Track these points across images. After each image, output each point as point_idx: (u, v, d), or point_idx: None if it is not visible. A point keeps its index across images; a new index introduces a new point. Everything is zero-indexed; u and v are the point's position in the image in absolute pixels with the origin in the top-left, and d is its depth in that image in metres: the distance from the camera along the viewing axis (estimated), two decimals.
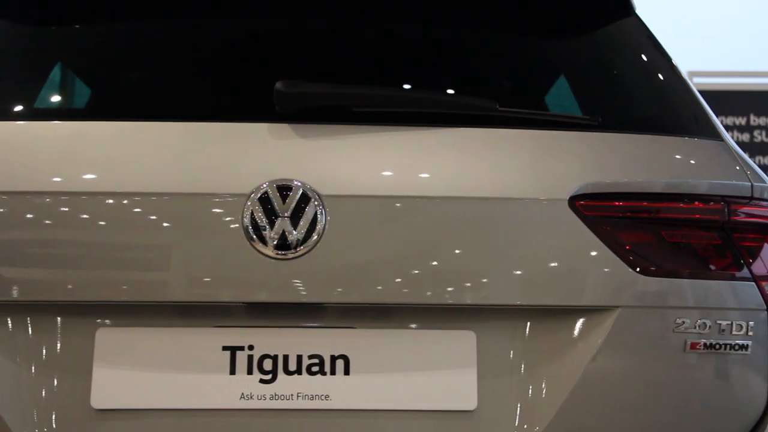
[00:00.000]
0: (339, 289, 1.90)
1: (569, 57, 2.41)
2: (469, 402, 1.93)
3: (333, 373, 1.92)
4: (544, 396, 1.93)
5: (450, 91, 2.32)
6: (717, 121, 2.27)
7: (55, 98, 2.23)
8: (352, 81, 2.16)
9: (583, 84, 2.36)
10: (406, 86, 2.27)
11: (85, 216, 1.90)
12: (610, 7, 2.44)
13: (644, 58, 2.38)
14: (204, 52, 2.32)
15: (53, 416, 1.90)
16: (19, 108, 2.18)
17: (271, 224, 1.90)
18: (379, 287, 1.90)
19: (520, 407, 1.94)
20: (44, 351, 1.92)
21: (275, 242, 1.89)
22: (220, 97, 2.18)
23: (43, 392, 1.90)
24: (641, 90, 2.32)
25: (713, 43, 8.52)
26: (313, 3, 2.35)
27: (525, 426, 1.92)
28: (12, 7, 2.34)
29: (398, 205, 1.93)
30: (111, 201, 1.90)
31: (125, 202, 1.90)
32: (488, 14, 2.39)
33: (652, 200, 2.00)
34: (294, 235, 1.89)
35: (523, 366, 1.95)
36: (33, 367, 1.91)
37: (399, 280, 1.91)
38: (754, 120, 8.55)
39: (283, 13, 2.35)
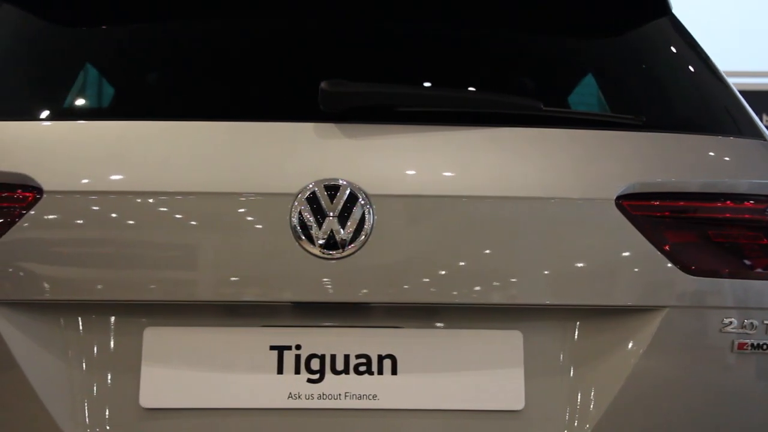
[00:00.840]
0: (386, 289, 1.90)
1: (608, 57, 2.41)
2: (517, 402, 1.93)
3: (380, 372, 1.92)
4: (591, 396, 1.93)
5: (494, 91, 2.31)
6: (758, 120, 2.26)
7: (102, 98, 2.23)
8: (397, 81, 2.16)
9: (623, 84, 2.36)
10: (450, 86, 2.27)
11: (133, 215, 1.90)
12: (647, 7, 2.43)
13: (683, 57, 2.38)
14: (250, 52, 2.32)
15: (103, 415, 1.90)
16: (68, 108, 2.18)
17: (319, 224, 1.90)
18: (426, 287, 1.90)
19: (567, 407, 1.94)
20: (94, 350, 1.92)
21: (323, 242, 1.89)
22: (266, 97, 2.18)
23: (93, 391, 1.91)
24: (682, 89, 2.32)
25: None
26: (359, 3, 2.35)
27: (573, 426, 1.92)
28: (52, 7, 2.34)
29: (445, 204, 1.92)
30: (159, 201, 1.90)
31: (173, 202, 1.90)
32: (528, 15, 2.39)
33: (698, 200, 1.99)
34: (342, 234, 1.89)
35: (570, 366, 1.95)
36: (83, 366, 1.91)
37: (446, 279, 1.91)
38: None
39: (329, 13, 2.35)
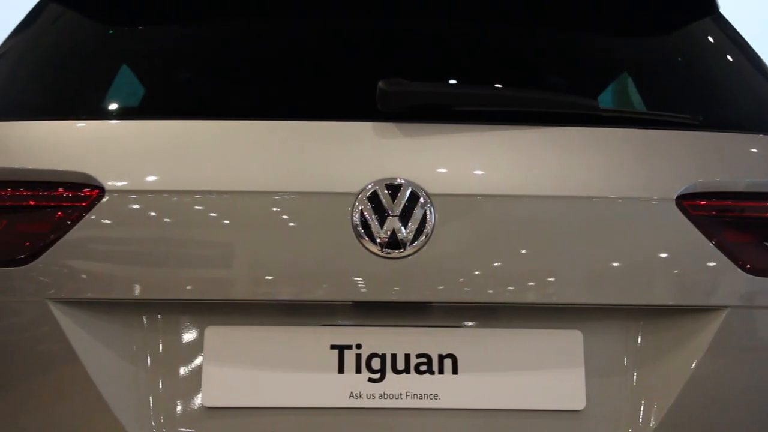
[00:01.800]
0: (447, 289, 1.90)
1: (662, 57, 2.40)
2: (578, 402, 1.93)
3: (441, 372, 1.93)
4: (652, 396, 1.93)
5: (550, 90, 2.31)
6: None
7: (161, 96, 2.23)
8: (454, 80, 2.16)
9: (674, 83, 2.36)
10: (507, 85, 2.27)
11: (194, 215, 1.91)
12: (696, 7, 2.43)
13: (734, 56, 2.37)
14: (309, 51, 2.32)
15: (166, 414, 1.90)
16: (127, 106, 2.18)
17: (381, 223, 1.90)
18: (486, 287, 1.90)
19: (628, 407, 1.93)
20: (156, 349, 1.93)
21: (385, 241, 1.89)
22: (323, 96, 2.18)
23: (156, 390, 1.91)
24: (734, 89, 2.32)
25: None
26: (416, 2, 2.35)
27: (635, 427, 1.92)
28: (104, 5, 2.35)
29: (506, 204, 1.92)
30: (221, 200, 1.91)
31: (234, 201, 1.91)
32: (579, 15, 2.39)
33: (758, 199, 1.99)
34: (403, 233, 1.90)
35: (631, 366, 1.95)
36: (146, 365, 1.92)
37: (506, 279, 1.91)
38: None
39: (387, 12, 2.35)
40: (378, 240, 1.89)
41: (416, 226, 1.90)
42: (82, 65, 2.27)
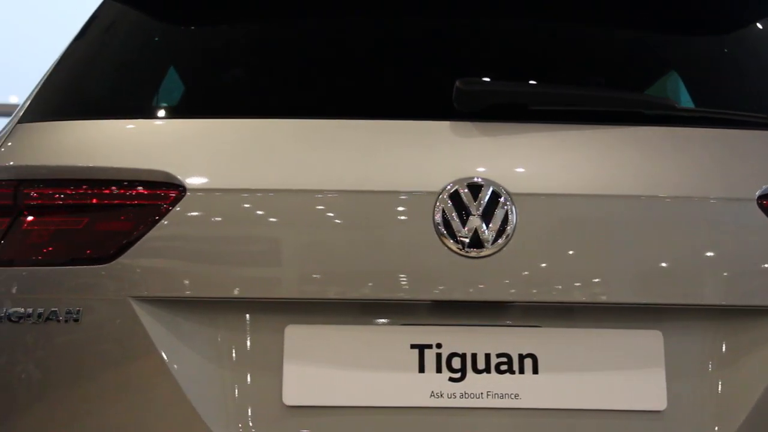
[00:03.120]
0: (527, 288, 1.90)
1: (733, 56, 2.40)
2: (659, 402, 1.92)
3: (522, 372, 1.92)
4: (735, 396, 1.92)
5: (626, 90, 2.31)
6: None
7: (242, 96, 2.23)
8: (530, 79, 2.16)
9: (749, 82, 2.35)
10: (584, 84, 2.26)
11: (274, 213, 1.91)
12: (760, 6, 2.43)
13: None
14: (386, 50, 2.33)
15: (247, 412, 1.90)
16: (205, 105, 2.18)
17: (463, 222, 1.90)
18: (567, 287, 1.90)
19: (710, 408, 1.93)
20: (237, 348, 1.93)
21: (467, 240, 1.89)
22: (400, 95, 2.18)
23: (237, 389, 1.91)
24: None
25: None
26: (492, 2, 2.35)
27: (716, 427, 1.91)
28: (189, 6, 2.35)
29: (586, 203, 1.92)
30: (301, 199, 1.91)
31: (315, 199, 1.91)
32: (652, 15, 2.39)
33: None
34: (485, 233, 1.89)
35: (712, 366, 1.94)
36: (227, 364, 1.92)
37: (586, 279, 1.90)
38: None
39: (464, 10, 2.35)
40: (459, 239, 1.89)
41: (498, 225, 1.90)
42: (160, 64, 2.28)
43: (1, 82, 10.60)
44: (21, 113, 2.12)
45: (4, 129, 2.12)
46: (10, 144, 2.03)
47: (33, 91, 2.19)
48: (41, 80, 2.20)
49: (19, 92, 10.58)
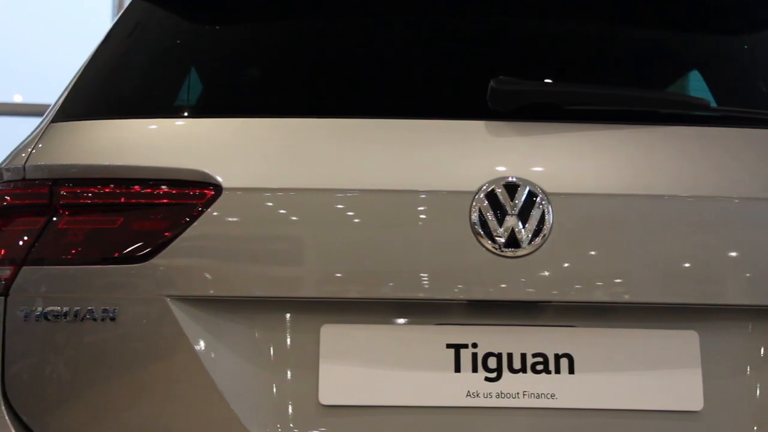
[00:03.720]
0: (563, 288, 1.90)
1: (756, 54, 2.40)
2: (695, 402, 1.92)
3: (558, 371, 1.92)
4: None
5: (662, 89, 2.32)
6: None
7: (276, 95, 2.22)
8: (564, 79, 2.16)
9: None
10: (619, 84, 2.26)
11: (310, 213, 1.91)
12: None
13: None
14: (420, 50, 2.32)
15: (283, 412, 1.90)
16: (240, 104, 2.18)
17: (499, 222, 1.90)
18: (604, 286, 1.90)
19: (747, 408, 1.92)
20: (273, 347, 1.92)
21: (503, 240, 1.89)
22: (435, 95, 2.18)
23: (274, 388, 1.91)
24: None
25: None
26: (526, 2, 2.35)
27: (755, 427, 1.91)
28: (219, 4, 2.35)
29: (623, 203, 1.92)
30: (336, 198, 1.91)
31: (351, 199, 1.91)
32: (690, 14, 2.39)
33: None
34: (522, 233, 1.89)
35: (749, 366, 1.94)
36: (263, 363, 1.92)
37: (622, 279, 1.90)
38: None
39: (497, 10, 2.35)
40: (496, 239, 1.89)
41: (534, 225, 1.90)
42: (192, 62, 2.28)
43: (4, 82, 10.62)
44: (53, 113, 2.11)
45: (36, 129, 2.12)
46: (44, 143, 2.03)
47: (64, 90, 2.19)
48: (72, 79, 2.20)
49: (22, 92, 10.59)
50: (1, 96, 10.28)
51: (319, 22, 2.37)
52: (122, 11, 2.32)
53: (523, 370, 1.92)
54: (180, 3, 2.32)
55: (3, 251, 1.94)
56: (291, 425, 1.89)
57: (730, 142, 2.02)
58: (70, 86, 2.18)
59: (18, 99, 10.47)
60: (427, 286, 1.90)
